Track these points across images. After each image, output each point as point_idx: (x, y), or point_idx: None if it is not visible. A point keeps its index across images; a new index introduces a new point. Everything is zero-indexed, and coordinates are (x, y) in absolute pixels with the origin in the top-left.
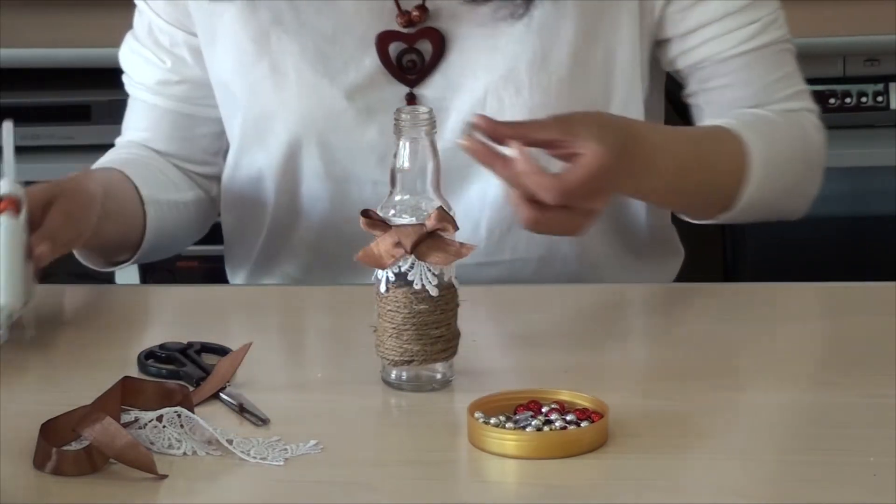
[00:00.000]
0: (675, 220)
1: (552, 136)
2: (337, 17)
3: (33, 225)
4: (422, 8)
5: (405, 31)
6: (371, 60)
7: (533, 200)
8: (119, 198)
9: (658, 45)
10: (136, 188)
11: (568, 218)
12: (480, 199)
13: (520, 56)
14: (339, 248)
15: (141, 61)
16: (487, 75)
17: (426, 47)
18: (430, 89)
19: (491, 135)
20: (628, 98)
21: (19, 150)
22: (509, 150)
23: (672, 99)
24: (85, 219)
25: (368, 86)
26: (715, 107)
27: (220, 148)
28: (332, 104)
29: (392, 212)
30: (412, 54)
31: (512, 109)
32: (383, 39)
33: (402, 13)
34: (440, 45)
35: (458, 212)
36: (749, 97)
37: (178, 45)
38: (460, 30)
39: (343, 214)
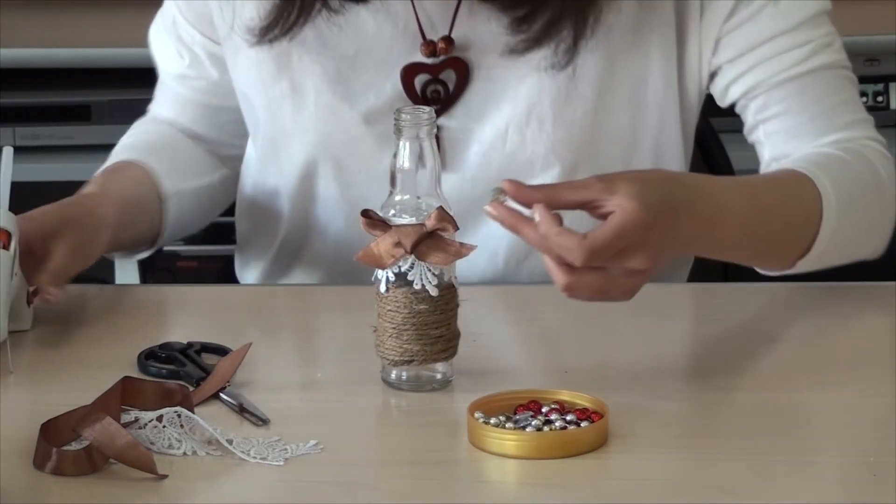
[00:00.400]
0: None
1: (587, 196)
2: (359, 40)
3: (35, 256)
4: (448, 39)
5: (429, 61)
6: (392, 86)
7: (565, 264)
8: (136, 206)
9: (711, 78)
10: (156, 184)
11: (606, 280)
12: (499, 227)
13: (544, 89)
14: (353, 267)
15: (164, 48)
16: (511, 107)
17: (450, 76)
18: (452, 120)
19: (518, 199)
20: (662, 128)
21: (19, 151)
22: (534, 213)
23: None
24: (94, 248)
25: (388, 112)
26: (775, 138)
27: (247, 132)
28: (349, 128)
29: (392, 212)
30: (436, 84)
31: (534, 143)
32: (408, 73)
33: (427, 43)
34: (465, 74)
35: (477, 240)
36: (807, 124)
37: (195, 44)
38: (485, 59)
39: (358, 236)
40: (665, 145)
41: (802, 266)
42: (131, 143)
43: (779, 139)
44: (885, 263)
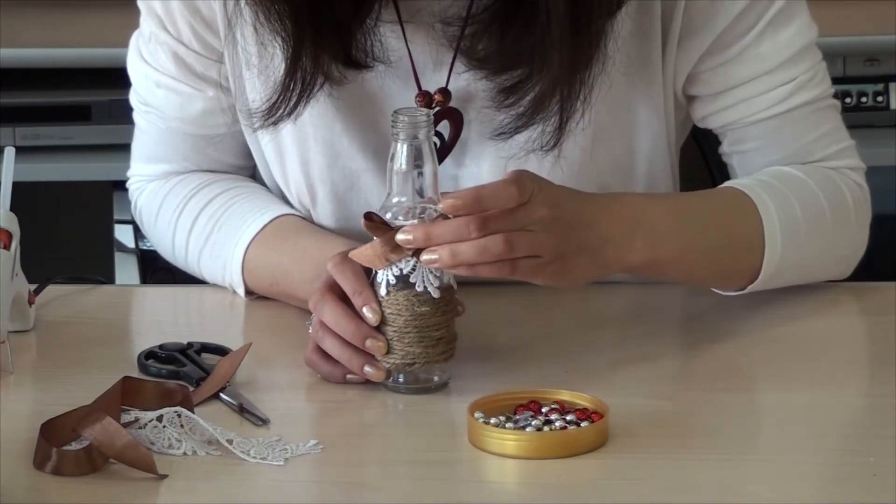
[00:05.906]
0: None
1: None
2: (359, 93)
3: None
4: (444, 91)
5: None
6: (389, 129)
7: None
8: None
9: (689, 101)
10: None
11: (535, 237)
12: None
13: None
14: None
15: (170, 96)
16: (508, 147)
17: (446, 126)
18: (451, 160)
19: (459, 211)
20: (654, 152)
21: (19, 151)
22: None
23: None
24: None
25: (387, 149)
26: (747, 169)
27: None
28: (349, 163)
29: (389, 214)
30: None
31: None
32: None
33: (422, 94)
34: (459, 123)
35: None
36: (782, 160)
37: (214, 71)
38: (480, 108)
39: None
40: (657, 166)
41: (755, 287)
42: (240, 193)
43: (751, 170)
44: (885, 263)
